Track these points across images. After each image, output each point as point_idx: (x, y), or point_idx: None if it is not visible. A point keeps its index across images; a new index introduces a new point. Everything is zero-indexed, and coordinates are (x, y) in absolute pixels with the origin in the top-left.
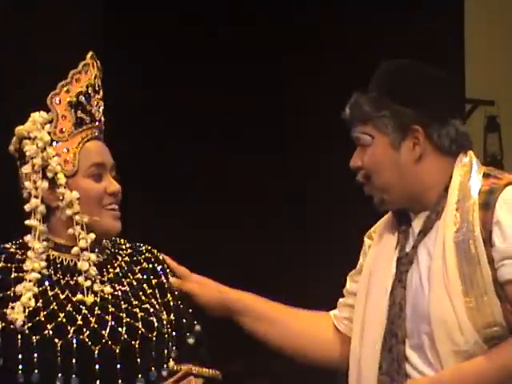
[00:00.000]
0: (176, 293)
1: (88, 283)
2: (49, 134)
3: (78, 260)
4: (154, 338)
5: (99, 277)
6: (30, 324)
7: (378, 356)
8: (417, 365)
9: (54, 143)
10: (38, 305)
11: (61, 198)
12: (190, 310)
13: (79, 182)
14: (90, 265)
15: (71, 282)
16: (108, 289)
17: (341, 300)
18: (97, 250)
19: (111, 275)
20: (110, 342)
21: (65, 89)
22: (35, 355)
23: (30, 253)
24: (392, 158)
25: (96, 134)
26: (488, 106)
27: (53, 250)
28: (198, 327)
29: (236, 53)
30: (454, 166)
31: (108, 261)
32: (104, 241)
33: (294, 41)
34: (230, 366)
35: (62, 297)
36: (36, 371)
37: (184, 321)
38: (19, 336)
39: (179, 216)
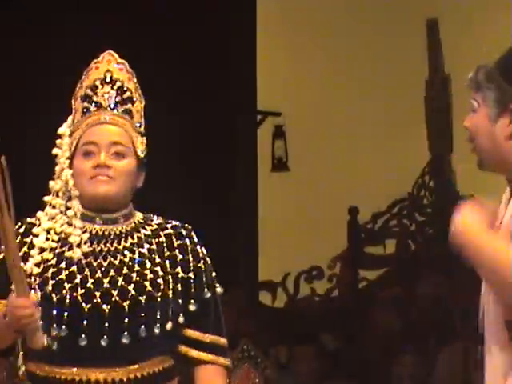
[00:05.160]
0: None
1: (76, 239)
2: (69, 126)
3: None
4: (159, 299)
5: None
6: (40, 279)
7: None
8: None
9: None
10: (52, 262)
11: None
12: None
13: (75, 161)
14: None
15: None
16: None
17: None
18: (98, 219)
19: (128, 244)
20: (118, 299)
21: (79, 86)
22: (39, 308)
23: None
24: (488, 128)
25: (104, 119)
26: (276, 117)
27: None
28: (207, 296)
29: None
30: None
31: (130, 231)
32: (138, 214)
33: None
34: None
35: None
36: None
37: (193, 291)
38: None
39: None
